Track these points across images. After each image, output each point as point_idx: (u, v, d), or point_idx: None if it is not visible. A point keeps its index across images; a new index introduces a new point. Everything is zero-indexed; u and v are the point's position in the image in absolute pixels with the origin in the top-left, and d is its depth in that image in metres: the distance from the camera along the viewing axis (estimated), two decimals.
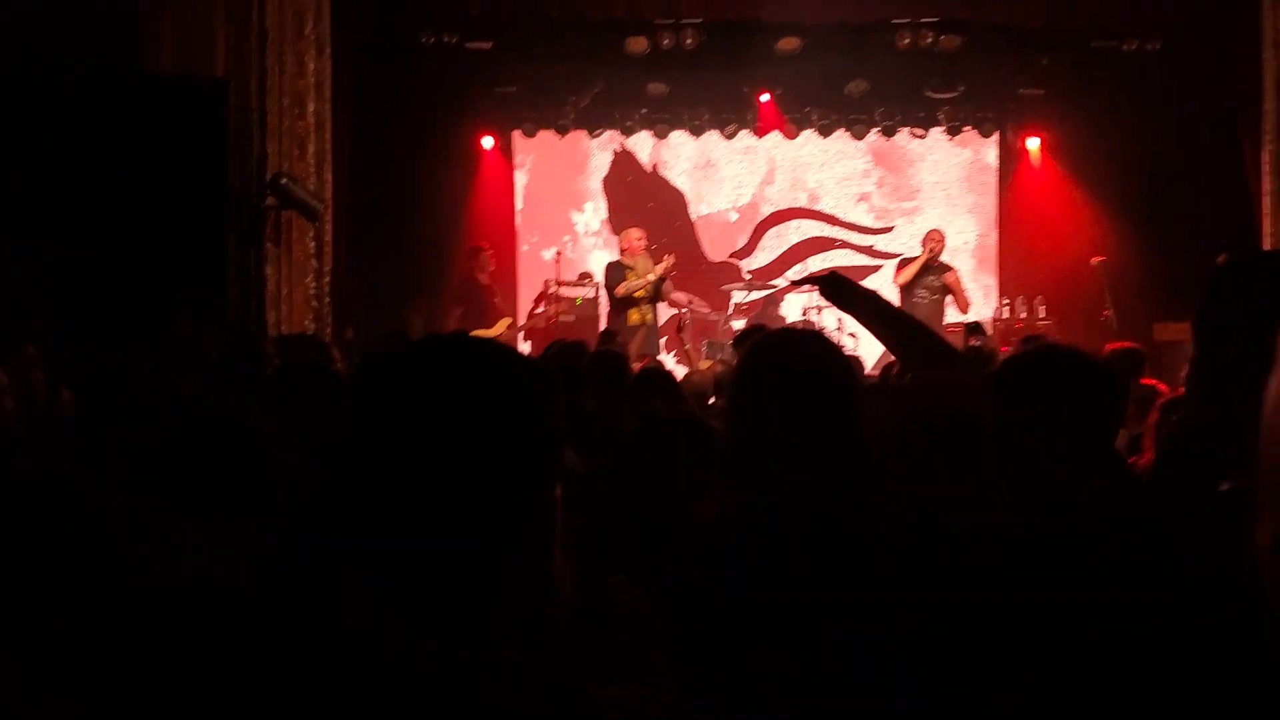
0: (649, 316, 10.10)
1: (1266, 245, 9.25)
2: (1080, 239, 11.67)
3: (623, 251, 10.38)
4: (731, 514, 2.07)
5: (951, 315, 10.46)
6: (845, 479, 1.99)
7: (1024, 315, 11.45)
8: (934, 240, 10.48)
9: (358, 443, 1.34)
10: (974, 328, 8.87)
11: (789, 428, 2.02)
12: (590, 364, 5.33)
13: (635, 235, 10.35)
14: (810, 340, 2.24)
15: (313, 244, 9.25)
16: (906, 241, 12.87)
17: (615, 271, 10.19)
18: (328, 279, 9.34)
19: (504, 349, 1.45)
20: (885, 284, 12.80)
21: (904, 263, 10.83)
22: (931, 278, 10.39)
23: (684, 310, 10.49)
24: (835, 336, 10.96)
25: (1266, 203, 9.25)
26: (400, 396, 1.33)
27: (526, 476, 1.34)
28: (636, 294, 9.94)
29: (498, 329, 10.80)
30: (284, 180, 8.88)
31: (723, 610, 1.93)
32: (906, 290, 10.34)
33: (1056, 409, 2.07)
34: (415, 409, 1.32)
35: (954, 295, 10.49)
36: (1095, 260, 10.47)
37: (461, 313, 10.88)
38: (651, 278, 9.95)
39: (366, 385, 1.39)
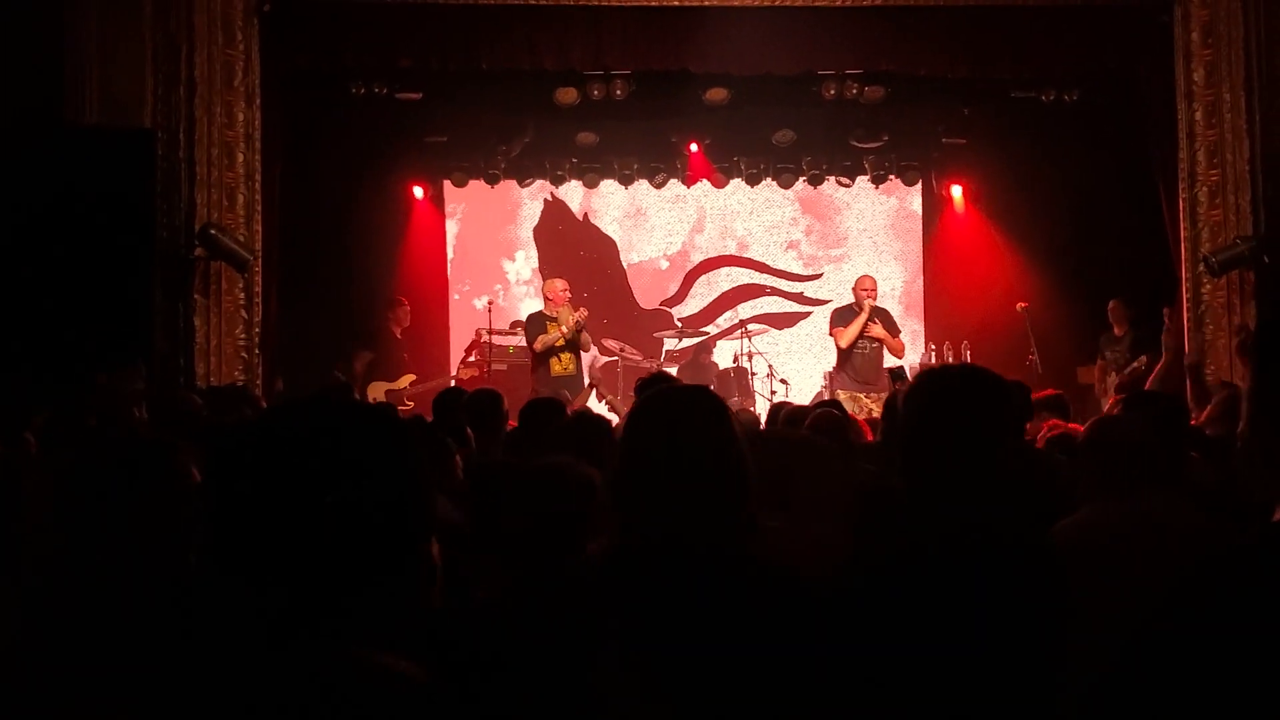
0: (570, 367, 10.05)
1: (1185, 289, 9.50)
2: (1004, 285, 11.89)
3: (547, 301, 10.30)
4: (608, 555, 2.15)
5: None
6: (711, 526, 2.08)
7: (950, 360, 11.62)
8: (866, 291, 10.09)
9: (217, 507, 1.35)
10: (897, 374, 8.99)
11: (663, 474, 2.11)
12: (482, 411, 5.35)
13: (559, 286, 10.25)
14: (693, 394, 2.35)
15: (243, 295, 9.15)
16: (835, 288, 13.03)
17: (536, 323, 10.08)
18: (258, 330, 9.24)
19: (365, 409, 1.46)
20: (815, 331, 13.00)
21: (837, 314, 10.34)
22: (870, 328, 10.03)
23: (598, 366, 10.51)
24: (766, 383, 11.10)
25: (1184, 248, 9.50)
26: (252, 464, 1.34)
27: (387, 534, 1.34)
28: (555, 344, 9.90)
29: (400, 383, 10.75)
30: (213, 231, 8.80)
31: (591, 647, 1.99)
32: (847, 348, 10.00)
33: (959, 417, 2.25)
34: (263, 476, 1.33)
35: (885, 342, 10.20)
36: (1020, 306, 10.67)
37: (370, 360, 10.79)
38: (565, 329, 9.87)
39: (222, 454, 1.39)
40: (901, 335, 10.40)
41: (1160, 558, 2.91)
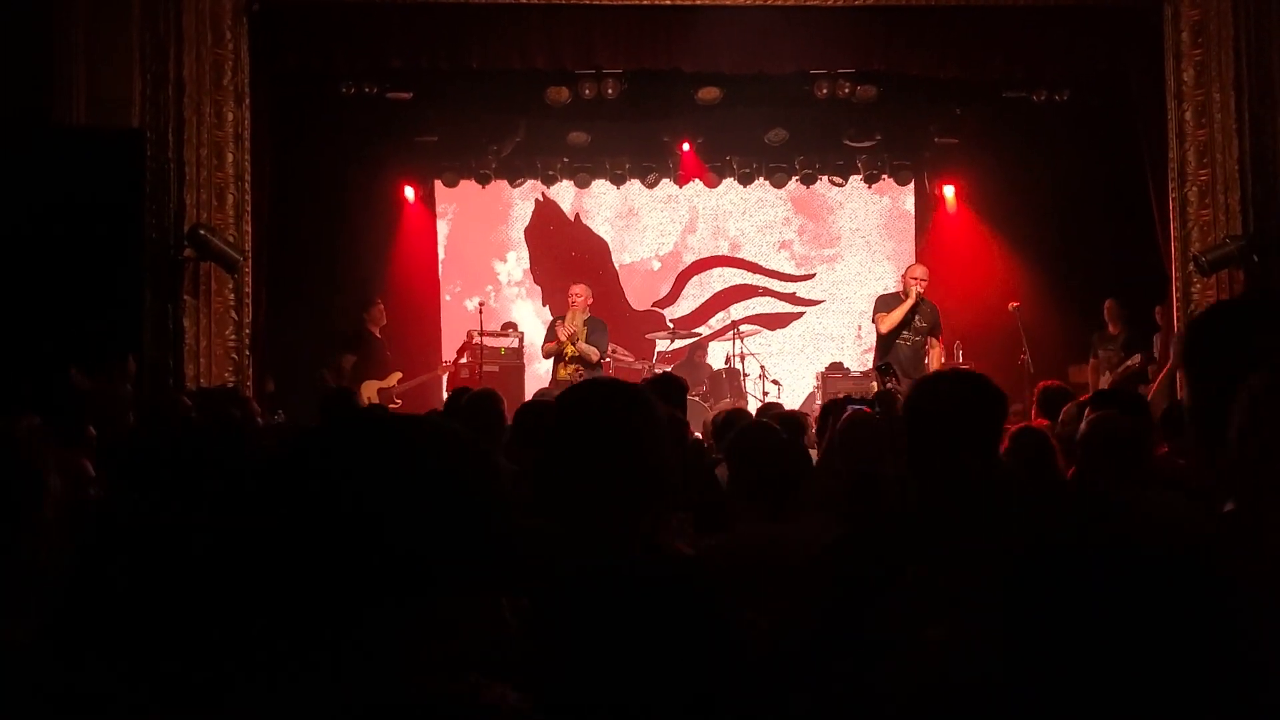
0: (577, 376, 9.93)
1: (1175, 288, 9.50)
2: (996, 284, 11.90)
3: (570, 304, 10.23)
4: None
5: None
6: (610, 522, 2.07)
7: (943, 360, 11.60)
8: (915, 279, 9.44)
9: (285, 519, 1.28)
10: (885, 369, 8.92)
11: (566, 467, 2.14)
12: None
13: (575, 291, 10.17)
14: (608, 388, 2.35)
15: (232, 296, 9.11)
16: (827, 288, 13.04)
17: (550, 330, 10.14)
18: (248, 331, 9.20)
19: (429, 426, 1.39)
20: (807, 331, 12.99)
21: (881, 300, 9.75)
22: (917, 320, 9.46)
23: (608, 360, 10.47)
24: (758, 384, 11.08)
25: (1174, 247, 9.50)
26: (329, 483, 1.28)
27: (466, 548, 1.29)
28: (567, 352, 9.86)
29: (389, 381, 10.74)
30: (202, 231, 8.77)
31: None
32: (888, 335, 9.40)
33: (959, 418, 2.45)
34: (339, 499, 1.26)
35: (938, 344, 9.67)
36: (1012, 305, 10.67)
37: (354, 362, 10.77)
38: (563, 336, 9.85)
39: (288, 469, 1.32)
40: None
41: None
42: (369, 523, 1.25)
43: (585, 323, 9.93)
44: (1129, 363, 9.86)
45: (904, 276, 9.74)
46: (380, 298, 11.37)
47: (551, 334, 10.04)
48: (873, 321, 9.77)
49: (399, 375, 10.92)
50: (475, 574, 1.30)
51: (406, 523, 1.26)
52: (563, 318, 10.07)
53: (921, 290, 9.41)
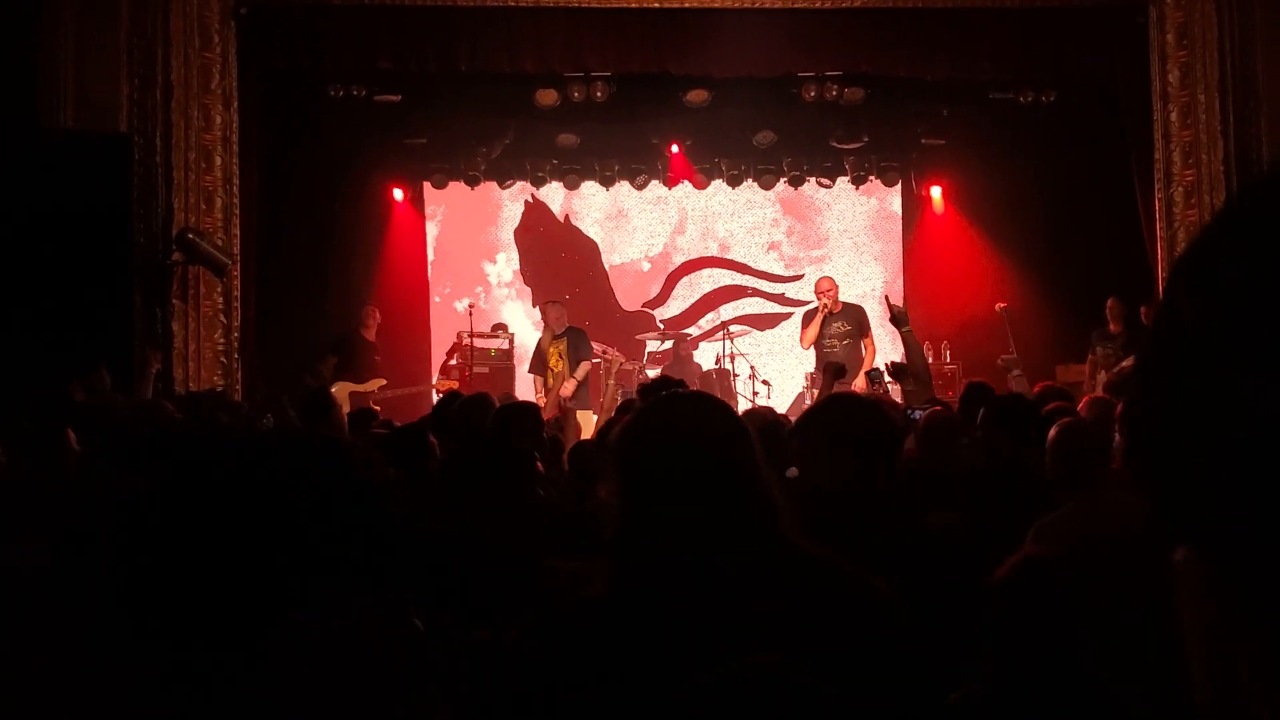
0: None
1: (1161, 287, 9.53)
2: (984, 284, 11.94)
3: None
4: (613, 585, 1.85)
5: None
6: (739, 547, 1.81)
7: (931, 360, 11.63)
8: (824, 291, 9.89)
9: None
10: (874, 375, 8.97)
11: (678, 491, 1.83)
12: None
13: (548, 315, 10.46)
14: (704, 401, 2.03)
15: (221, 299, 9.12)
16: None
17: (537, 359, 10.39)
18: (237, 334, 9.20)
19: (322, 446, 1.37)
20: (796, 332, 13.02)
21: (805, 317, 10.25)
22: (837, 324, 9.85)
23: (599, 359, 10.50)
24: (748, 384, 11.11)
25: (1160, 248, 9.55)
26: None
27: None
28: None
29: (368, 386, 10.70)
30: (190, 235, 8.76)
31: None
32: (816, 345, 9.87)
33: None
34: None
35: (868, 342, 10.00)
36: (999, 306, 10.70)
37: (335, 363, 10.74)
38: (565, 394, 10.02)
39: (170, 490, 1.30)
40: (881, 336, 10.27)
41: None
42: (251, 538, 1.24)
43: (565, 339, 10.05)
44: (1124, 364, 9.84)
45: (816, 292, 10.02)
46: (373, 302, 11.35)
47: (539, 364, 10.16)
48: (801, 343, 10.14)
49: (381, 382, 10.84)
50: (364, 585, 1.30)
51: (287, 536, 1.26)
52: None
53: (829, 301, 9.71)
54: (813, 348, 9.86)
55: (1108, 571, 2.82)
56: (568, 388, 9.76)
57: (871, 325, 9.96)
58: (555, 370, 10.00)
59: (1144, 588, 1.34)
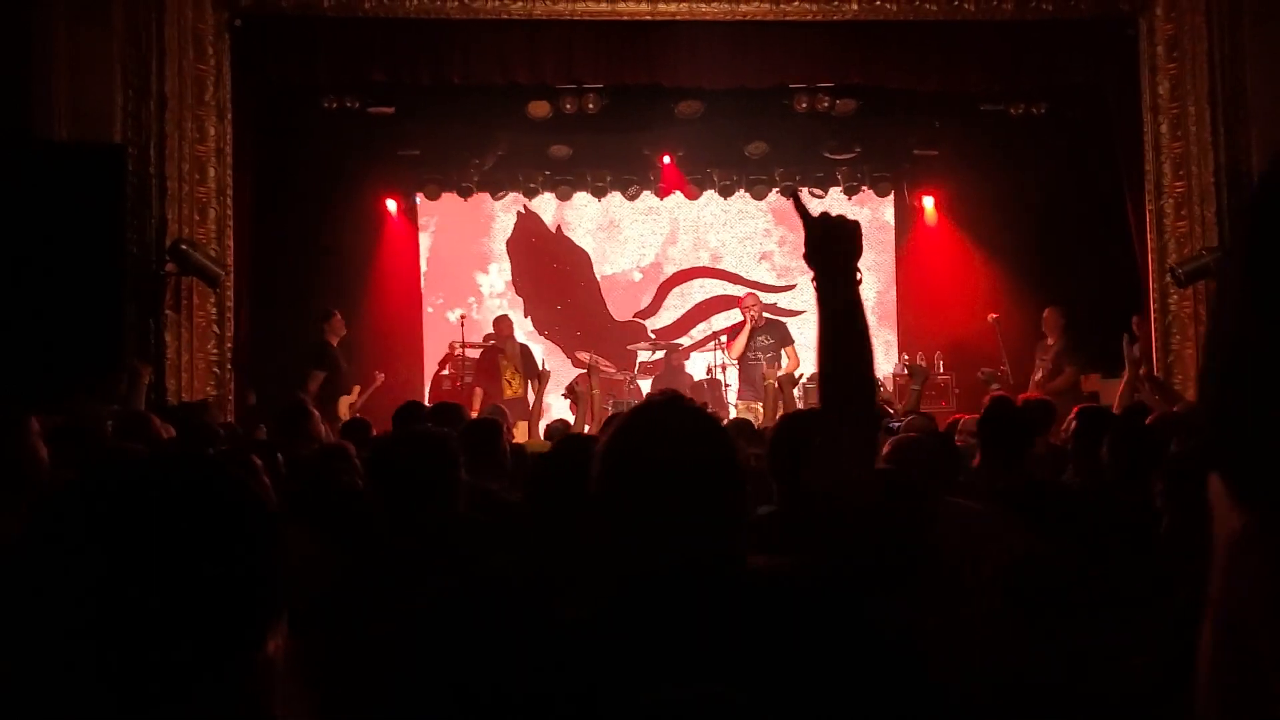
0: (519, 390, 10.69)
1: (1152, 300, 9.58)
2: (975, 295, 11.97)
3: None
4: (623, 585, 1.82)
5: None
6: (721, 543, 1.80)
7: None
8: (749, 307, 10.78)
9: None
10: (915, 370, 8.94)
11: (669, 488, 1.80)
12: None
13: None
14: (682, 403, 1.99)
15: (214, 310, 9.12)
16: (808, 299, 13.03)
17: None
18: (230, 345, 9.20)
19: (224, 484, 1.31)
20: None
21: (733, 331, 11.12)
22: (761, 338, 10.61)
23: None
24: (727, 393, 11.14)
25: (1151, 259, 9.58)
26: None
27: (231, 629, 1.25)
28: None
29: (354, 395, 10.61)
30: (184, 246, 8.77)
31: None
32: (741, 359, 10.67)
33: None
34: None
35: (789, 353, 10.67)
36: (991, 317, 10.72)
37: (322, 379, 10.54)
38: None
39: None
40: (796, 346, 10.67)
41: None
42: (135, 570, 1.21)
43: (519, 359, 10.70)
44: (1057, 380, 9.62)
45: (739, 307, 11.04)
46: (337, 309, 11.09)
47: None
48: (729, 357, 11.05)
49: (357, 388, 10.76)
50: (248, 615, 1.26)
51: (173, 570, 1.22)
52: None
53: (755, 315, 10.64)
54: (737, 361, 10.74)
55: None
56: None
57: (793, 337, 10.76)
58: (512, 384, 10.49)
59: None
